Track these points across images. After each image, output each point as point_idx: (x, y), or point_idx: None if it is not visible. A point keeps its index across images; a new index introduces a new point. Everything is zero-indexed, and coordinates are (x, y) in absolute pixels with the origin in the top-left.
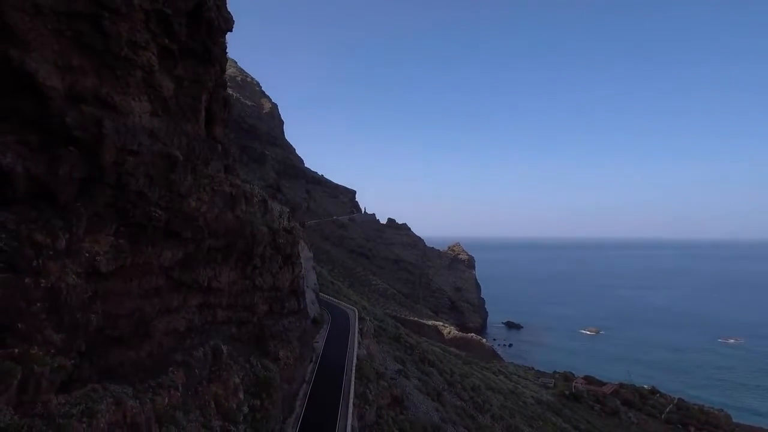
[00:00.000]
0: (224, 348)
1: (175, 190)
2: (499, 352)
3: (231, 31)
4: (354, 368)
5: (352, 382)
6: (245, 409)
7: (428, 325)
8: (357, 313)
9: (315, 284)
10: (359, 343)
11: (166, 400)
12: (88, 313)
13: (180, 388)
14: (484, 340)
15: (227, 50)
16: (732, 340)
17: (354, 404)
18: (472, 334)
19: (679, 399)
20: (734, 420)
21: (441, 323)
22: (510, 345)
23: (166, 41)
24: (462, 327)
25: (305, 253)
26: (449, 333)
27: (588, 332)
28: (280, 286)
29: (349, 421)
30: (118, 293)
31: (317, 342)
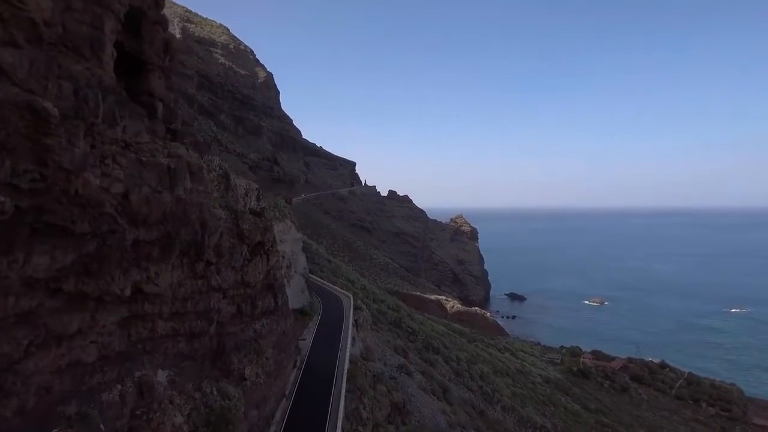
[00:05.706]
0: (160, 377)
1: (51, 162)
2: (502, 325)
3: None
4: (345, 377)
5: (342, 398)
6: None
7: (431, 300)
8: (352, 301)
9: (304, 269)
10: (353, 338)
11: None
12: None
13: None
14: (488, 314)
15: None
16: (735, 310)
17: (343, 429)
18: (476, 308)
19: (689, 373)
20: (746, 394)
21: (444, 297)
22: (514, 317)
23: None
24: (465, 300)
25: (293, 234)
26: (453, 307)
27: (592, 303)
28: (249, 282)
29: None
30: None
31: (304, 339)
